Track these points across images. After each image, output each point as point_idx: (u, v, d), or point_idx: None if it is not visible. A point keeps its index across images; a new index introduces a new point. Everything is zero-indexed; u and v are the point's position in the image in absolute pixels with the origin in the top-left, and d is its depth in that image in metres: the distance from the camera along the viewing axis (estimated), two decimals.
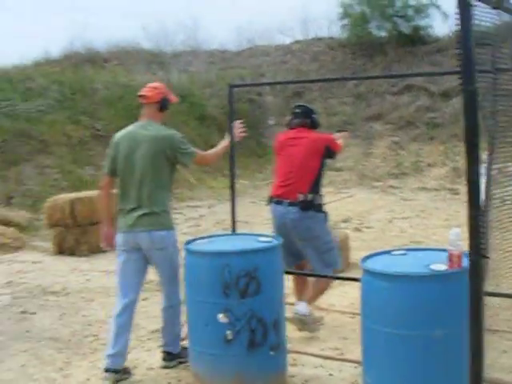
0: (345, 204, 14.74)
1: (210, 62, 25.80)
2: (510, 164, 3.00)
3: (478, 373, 2.73)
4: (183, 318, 5.40)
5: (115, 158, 5.52)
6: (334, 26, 26.53)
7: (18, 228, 11.85)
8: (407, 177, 18.22)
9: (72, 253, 10.57)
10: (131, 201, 5.41)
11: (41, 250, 10.99)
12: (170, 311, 5.50)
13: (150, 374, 5.44)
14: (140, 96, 5.61)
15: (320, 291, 6.33)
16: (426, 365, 3.83)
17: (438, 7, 23.63)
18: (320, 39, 26.69)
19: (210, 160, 5.91)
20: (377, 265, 4.15)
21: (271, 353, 4.88)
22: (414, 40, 23.73)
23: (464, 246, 3.24)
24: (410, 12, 23.97)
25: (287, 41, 27.70)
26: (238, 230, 6.30)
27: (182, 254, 5.20)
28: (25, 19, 38.61)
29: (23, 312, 7.42)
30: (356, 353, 4.74)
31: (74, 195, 11.19)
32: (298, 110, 6.50)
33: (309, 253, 6.23)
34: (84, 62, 24.49)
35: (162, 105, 5.58)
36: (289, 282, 6.85)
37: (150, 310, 6.31)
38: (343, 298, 7.05)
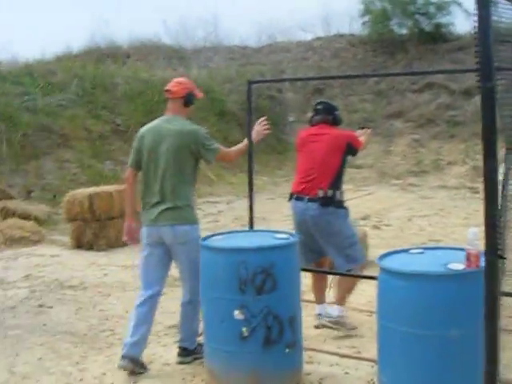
0: (364, 201, 14.68)
1: (231, 58, 25.79)
2: None
3: (493, 373, 2.70)
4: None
5: (139, 152, 5.56)
6: (355, 23, 26.49)
7: (36, 222, 11.90)
8: (427, 175, 18.14)
9: (90, 247, 10.62)
10: (154, 195, 5.43)
11: (59, 244, 11.04)
12: (190, 307, 5.49)
13: (166, 370, 5.44)
14: (166, 91, 5.62)
15: (348, 290, 6.27)
16: (442, 365, 3.79)
17: (459, 4, 23.51)
18: (341, 36, 26.61)
19: (234, 157, 5.89)
20: (394, 263, 4.11)
21: (287, 350, 4.85)
22: (436, 37, 23.61)
23: (482, 245, 3.21)
24: (432, 9, 23.85)
25: (308, 37, 27.67)
26: (256, 227, 6.29)
27: None
28: (47, 14, 38.70)
29: (40, 306, 7.45)
30: (372, 351, 4.71)
31: (92, 190, 11.22)
32: (319, 107, 6.46)
33: (330, 249, 6.20)
34: (105, 56, 24.56)
35: (188, 100, 5.59)
36: (306, 279, 6.86)
37: (167, 305, 6.31)
38: (360, 295, 7.01)
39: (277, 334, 4.77)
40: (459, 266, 3.90)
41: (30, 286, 8.31)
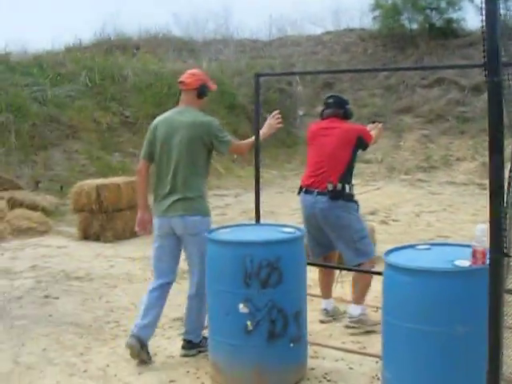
0: (372, 196, 14.64)
1: (241, 51, 25.74)
2: None
3: (496, 371, 2.68)
4: None
5: (152, 143, 5.58)
6: (365, 18, 26.44)
7: (44, 213, 11.90)
8: (436, 170, 18.08)
9: (97, 238, 10.62)
10: (166, 186, 5.45)
11: (66, 235, 11.04)
12: (196, 299, 5.48)
13: (170, 362, 5.44)
14: (179, 82, 5.64)
15: (365, 287, 6.21)
16: (446, 361, 3.77)
17: (471, 0, 23.39)
18: (351, 30, 26.56)
19: (245, 150, 5.89)
20: (400, 259, 4.09)
21: (291, 345, 4.84)
22: (446, 33, 23.51)
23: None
24: (443, 4, 23.76)
25: (318, 31, 27.61)
26: (264, 221, 6.27)
27: None
28: (57, 5, 38.73)
29: (46, 296, 7.46)
30: (377, 347, 4.69)
31: (100, 181, 11.21)
32: (330, 100, 6.44)
33: (339, 243, 6.17)
34: (115, 48, 24.54)
35: (201, 91, 5.59)
36: (312, 273, 6.84)
37: (173, 298, 6.28)
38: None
39: (281, 329, 4.76)
40: (465, 262, 3.88)
41: (36, 277, 8.32)
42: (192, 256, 5.43)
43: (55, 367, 5.39)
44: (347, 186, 6.08)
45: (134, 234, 10.56)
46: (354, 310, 6.13)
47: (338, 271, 6.70)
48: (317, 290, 6.76)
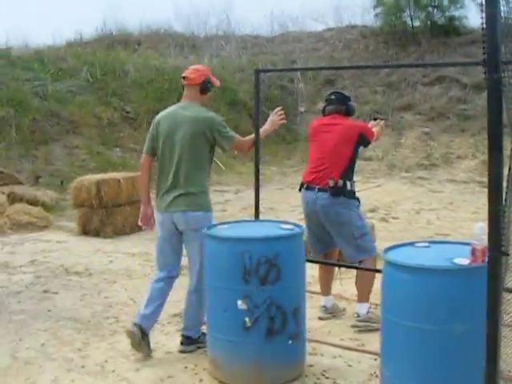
0: (372, 194, 14.62)
1: (242, 47, 25.70)
2: None
3: (494, 369, 2.67)
4: None
5: (155, 138, 5.60)
6: (367, 14, 26.39)
7: (44, 207, 11.90)
8: (436, 168, 18.06)
9: (97, 234, 10.61)
10: (169, 181, 5.47)
11: (66, 230, 11.04)
12: (196, 295, 5.47)
13: (168, 358, 5.43)
14: (182, 77, 5.64)
15: (368, 284, 6.16)
16: (445, 360, 3.76)
17: None
18: (353, 27, 26.51)
19: (248, 146, 5.85)
20: (399, 256, 4.08)
21: (290, 341, 4.83)
22: (448, 31, 23.46)
23: None
24: (445, 2, 23.73)
25: (320, 28, 27.56)
26: (264, 217, 6.27)
27: None
28: (59, 0, 38.66)
29: (45, 291, 7.45)
30: (376, 345, 4.68)
31: (100, 176, 11.21)
32: (333, 97, 6.43)
33: (340, 240, 6.16)
34: (116, 43, 24.53)
35: (204, 87, 5.60)
36: (312, 270, 6.84)
37: (171, 293, 6.26)
38: None
39: (280, 325, 4.75)
40: (465, 260, 3.87)
41: (35, 272, 8.32)
42: (193, 251, 5.42)
43: (53, 362, 5.37)
44: (348, 183, 6.07)
45: (133, 230, 10.63)
46: (361, 308, 6.10)
47: (337, 268, 6.69)
48: (316, 287, 6.76)
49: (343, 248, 6.22)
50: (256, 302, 4.69)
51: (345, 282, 7.06)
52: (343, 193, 6.03)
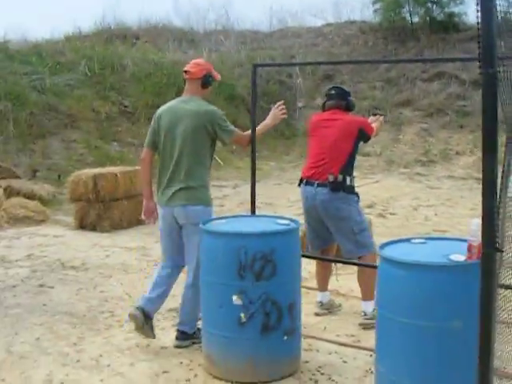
0: (370, 189, 14.60)
1: (241, 42, 25.66)
2: None
3: (487, 366, 2.65)
4: None
5: (156, 132, 5.62)
6: (366, 10, 26.34)
7: (41, 202, 11.86)
8: (435, 164, 18.04)
9: (94, 228, 10.58)
10: (169, 175, 5.49)
11: (63, 225, 11.02)
12: (193, 290, 5.43)
13: (163, 353, 5.42)
14: (184, 71, 5.66)
15: (370, 281, 6.09)
16: (441, 356, 3.75)
17: None
18: (352, 22, 26.47)
19: (248, 141, 5.85)
20: (394, 252, 4.06)
21: (285, 337, 4.82)
22: (448, 27, 23.42)
23: None
24: None
25: (319, 23, 27.52)
26: (262, 212, 6.26)
27: None
28: None
29: (41, 285, 7.43)
30: (371, 341, 4.66)
31: (97, 170, 11.18)
32: (333, 92, 6.41)
33: (339, 236, 6.14)
34: (114, 37, 24.49)
35: (205, 81, 5.63)
36: (309, 265, 6.83)
37: None
38: None
39: (275, 321, 4.74)
40: (461, 257, 3.85)
41: (31, 266, 8.30)
42: (192, 245, 5.39)
43: (48, 357, 5.36)
44: (348, 178, 6.06)
45: (131, 224, 10.64)
46: (366, 306, 6.04)
47: (333, 264, 6.67)
48: (313, 283, 6.75)
49: (342, 244, 6.19)
50: (251, 297, 4.68)
51: (341, 278, 7.06)
52: (343, 188, 6.02)
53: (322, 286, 6.50)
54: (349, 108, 6.37)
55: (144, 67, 19.45)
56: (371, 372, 4.79)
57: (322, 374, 4.95)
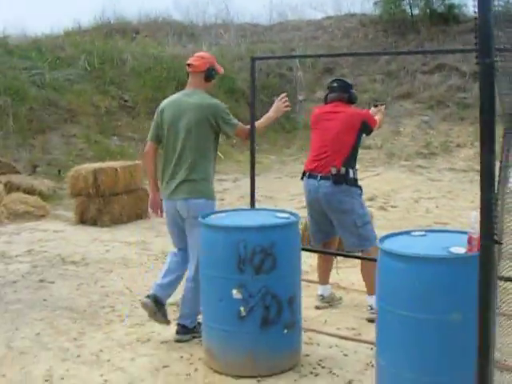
0: (371, 182, 14.56)
1: (241, 36, 25.61)
2: None
3: (486, 359, 2.64)
4: None
5: (160, 125, 5.63)
6: (366, 3, 26.29)
7: (41, 197, 11.85)
8: (435, 157, 18.00)
9: (94, 223, 10.56)
10: (172, 168, 5.50)
11: (63, 220, 11.00)
12: (193, 284, 5.42)
13: (163, 347, 5.41)
14: (187, 65, 5.65)
15: (374, 275, 6.10)
16: (441, 349, 3.74)
17: None
18: (352, 15, 26.39)
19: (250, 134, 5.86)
20: (394, 245, 4.05)
21: (285, 331, 4.82)
22: (448, 19, 23.35)
23: None
24: None
25: (319, 16, 27.45)
26: (263, 206, 6.25)
27: None
28: None
29: (41, 281, 7.42)
30: (372, 334, 4.65)
31: (97, 165, 11.16)
32: (335, 85, 6.39)
33: (342, 229, 6.12)
34: (114, 32, 24.45)
35: (208, 74, 5.63)
36: (310, 259, 6.82)
37: None
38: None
39: (275, 315, 4.74)
40: (461, 249, 3.83)
41: (31, 261, 8.29)
42: (195, 239, 5.36)
43: (48, 352, 5.36)
44: (351, 171, 6.04)
45: (130, 219, 10.64)
46: (372, 300, 5.96)
47: (334, 257, 6.66)
48: (313, 276, 6.74)
49: (345, 237, 6.18)
50: (251, 291, 4.67)
51: (342, 271, 7.05)
52: (345, 181, 6.00)
53: (323, 279, 6.49)
54: (351, 101, 6.35)
55: (144, 61, 19.42)
56: (372, 365, 4.78)
57: (323, 367, 4.94)
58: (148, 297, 5.52)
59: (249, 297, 4.66)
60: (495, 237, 2.49)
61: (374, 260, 5.19)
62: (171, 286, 5.62)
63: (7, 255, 8.61)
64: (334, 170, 5.97)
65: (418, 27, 23.31)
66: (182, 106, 5.50)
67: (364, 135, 6.30)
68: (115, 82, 18.08)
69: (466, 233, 3.94)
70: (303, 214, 6.65)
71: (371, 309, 5.97)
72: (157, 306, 5.48)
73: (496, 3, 2.45)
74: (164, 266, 5.73)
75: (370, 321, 5.83)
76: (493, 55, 2.30)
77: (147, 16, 27.04)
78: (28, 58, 17.32)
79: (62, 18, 38.51)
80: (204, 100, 5.50)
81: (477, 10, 2.32)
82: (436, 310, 3.74)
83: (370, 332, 5.08)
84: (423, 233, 4.44)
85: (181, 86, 5.78)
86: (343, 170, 5.99)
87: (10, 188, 11.74)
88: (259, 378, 4.73)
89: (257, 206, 6.23)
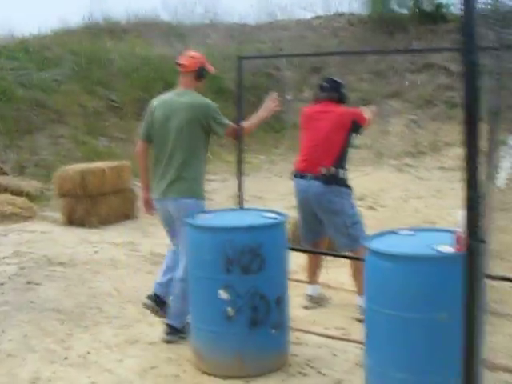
0: (360, 182, 14.51)
1: (229, 36, 25.57)
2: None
3: (471, 359, 2.63)
4: None
5: (151, 125, 5.63)
6: (354, 2, 26.27)
7: (28, 198, 11.76)
8: (424, 156, 18.00)
9: (82, 224, 10.47)
10: (163, 168, 5.51)
11: (50, 221, 10.91)
12: (182, 285, 5.40)
13: (151, 349, 5.40)
14: (178, 64, 5.66)
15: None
16: (429, 349, 3.73)
17: None
18: (341, 15, 26.39)
19: (242, 134, 5.87)
20: (381, 244, 4.03)
21: (273, 331, 4.81)
22: (436, 18, 23.40)
23: None
24: None
25: (308, 16, 27.42)
26: (252, 206, 6.24)
27: None
28: None
29: (29, 282, 7.35)
30: (361, 334, 4.65)
31: (85, 166, 11.08)
32: (325, 84, 6.38)
33: (332, 229, 6.12)
34: (102, 32, 24.36)
35: (199, 74, 5.67)
36: (298, 258, 6.80)
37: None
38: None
39: (263, 315, 4.73)
40: (448, 248, 3.82)
41: (19, 263, 8.21)
42: (183, 239, 5.34)
43: (35, 354, 5.33)
44: (341, 171, 6.05)
45: (118, 219, 10.57)
46: (362, 301, 6.00)
47: (324, 257, 6.65)
48: (302, 276, 6.72)
49: (336, 237, 6.18)
50: (239, 291, 4.66)
51: (331, 271, 7.03)
52: (336, 181, 6.00)
53: (312, 278, 6.48)
54: (341, 100, 6.34)
55: (131, 62, 19.34)
56: (361, 365, 4.76)
57: (312, 367, 4.94)
58: (149, 297, 5.59)
59: (237, 297, 4.65)
60: (481, 235, 2.48)
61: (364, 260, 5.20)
62: (171, 284, 5.62)
63: None
64: (324, 171, 5.97)
65: (407, 27, 23.33)
66: (173, 106, 5.50)
67: (355, 134, 6.28)
68: (103, 83, 17.99)
69: (453, 232, 3.93)
70: (293, 213, 6.64)
71: (361, 309, 5.97)
72: (158, 305, 5.55)
73: (483, 0, 2.45)
74: (163, 264, 5.77)
75: (359, 320, 5.84)
76: (476, 51, 2.29)
77: (135, 16, 26.94)
78: (15, 58, 17.22)
79: (50, 18, 38.34)
80: (195, 100, 5.51)
81: (462, 8, 2.32)
82: (423, 310, 3.73)
83: (359, 332, 5.06)
84: (411, 232, 4.43)
85: (168, 87, 5.76)
86: (333, 170, 5.99)
87: None
88: (247, 379, 4.72)
89: (246, 206, 6.21)
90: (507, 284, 5.72)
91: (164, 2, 44.39)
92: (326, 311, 6.24)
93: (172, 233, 5.67)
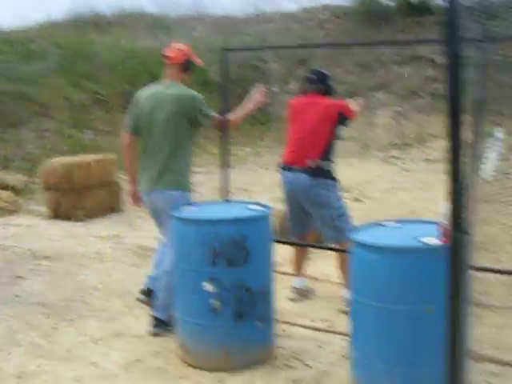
0: (346, 174, 14.51)
1: (215, 28, 25.52)
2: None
3: (455, 350, 2.64)
4: None
5: (137, 117, 5.63)
6: None
7: (14, 191, 11.70)
8: (410, 148, 18.04)
9: (68, 217, 10.42)
10: (150, 160, 5.51)
11: (36, 214, 10.87)
12: (167, 277, 5.39)
13: (137, 342, 5.38)
14: (164, 56, 5.65)
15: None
16: (413, 340, 3.73)
17: None
18: (326, 7, 26.36)
19: (228, 126, 5.85)
20: (367, 236, 4.03)
21: (259, 324, 4.80)
22: (422, 10, 23.41)
23: None
24: None
25: (294, 8, 27.38)
26: (237, 198, 6.24)
27: None
28: None
29: (14, 276, 7.33)
30: (346, 326, 4.65)
31: (70, 159, 11.03)
32: (312, 76, 6.35)
33: (319, 221, 6.12)
34: (87, 25, 24.26)
35: (186, 66, 5.66)
36: (284, 250, 6.79)
37: (141, 276, 6.21)
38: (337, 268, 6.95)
39: (249, 308, 4.73)
40: (433, 240, 3.82)
41: (4, 257, 8.19)
42: (169, 232, 5.34)
43: (21, 348, 5.30)
44: (327, 163, 6.03)
45: (104, 213, 10.53)
46: (348, 294, 6.00)
47: (311, 249, 6.65)
48: (287, 268, 6.71)
49: (323, 230, 6.18)
50: (224, 284, 4.65)
51: (316, 263, 7.03)
52: (322, 173, 5.99)
53: (298, 271, 6.48)
54: (328, 92, 6.31)
55: (117, 54, 19.27)
56: (346, 357, 4.76)
57: (297, 359, 4.94)
58: (142, 292, 5.61)
59: (222, 290, 4.64)
60: (464, 227, 2.49)
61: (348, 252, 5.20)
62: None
63: None
64: (311, 163, 5.95)
65: (393, 19, 23.33)
66: (159, 98, 5.50)
67: (342, 126, 6.26)
68: (88, 75, 17.92)
69: (438, 223, 3.93)
70: (279, 205, 6.63)
71: (346, 302, 5.98)
72: (152, 299, 5.53)
73: None
74: (153, 257, 5.78)
75: (345, 312, 5.84)
76: (459, 43, 2.29)
77: (120, 8, 26.85)
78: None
79: (34, 10, 38.09)
80: (181, 92, 5.50)
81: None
82: (408, 301, 3.74)
83: (344, 324, 5.07)
84: (397, 224, 4.43)
85: (154, 79, 5.74)
86: (320, 162, 5.97)
87: None
88: (233, 371, 4.71)
89: (231, 198, 6.20)
90: (491, 275, 5.76)
91: None
92: (312, 303, 6.24)
93: (158, 226, 5.66)
